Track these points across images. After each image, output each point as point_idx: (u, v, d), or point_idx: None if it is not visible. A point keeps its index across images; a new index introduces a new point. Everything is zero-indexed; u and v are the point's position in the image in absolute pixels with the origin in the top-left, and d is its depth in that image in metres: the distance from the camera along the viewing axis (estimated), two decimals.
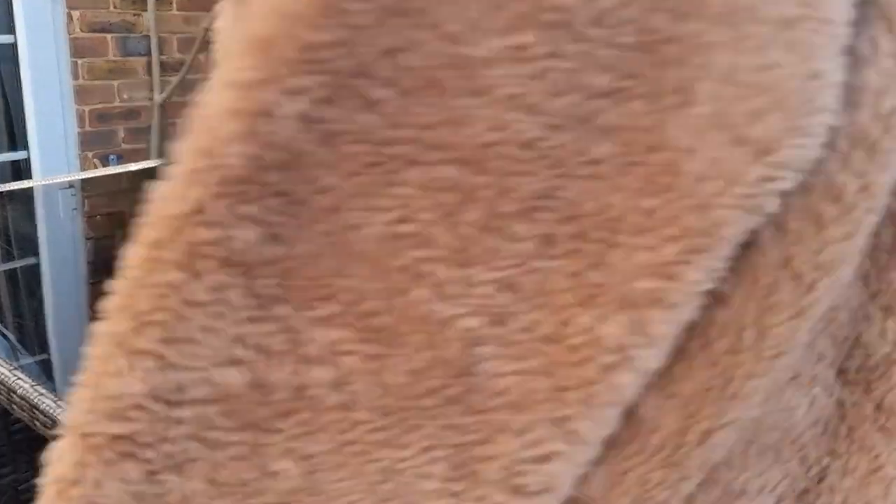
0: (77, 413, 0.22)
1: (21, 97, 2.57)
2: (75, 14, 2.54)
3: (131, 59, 2.73)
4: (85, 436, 0.22)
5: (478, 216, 0.20)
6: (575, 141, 0.20)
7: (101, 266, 1.21)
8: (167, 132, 2.91)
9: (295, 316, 0.20)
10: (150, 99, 2.82)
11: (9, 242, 1.25)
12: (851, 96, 0.21)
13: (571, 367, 0.20)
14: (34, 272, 1.17)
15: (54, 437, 0.71)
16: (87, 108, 2.65)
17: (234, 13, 0.28)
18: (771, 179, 0.20)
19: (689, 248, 0.20)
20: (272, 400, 0.21)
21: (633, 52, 0.19)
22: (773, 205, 0.21)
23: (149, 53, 2.77)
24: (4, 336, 0.98)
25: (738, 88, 0.20)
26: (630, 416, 0.22)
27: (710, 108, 0.20)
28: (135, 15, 2.70)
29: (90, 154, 2.70)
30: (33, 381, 0.86)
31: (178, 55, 2.86)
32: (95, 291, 1.13)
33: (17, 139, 2.64)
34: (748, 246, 0.21)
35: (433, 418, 0.21)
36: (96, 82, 2.66)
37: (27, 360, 0.93)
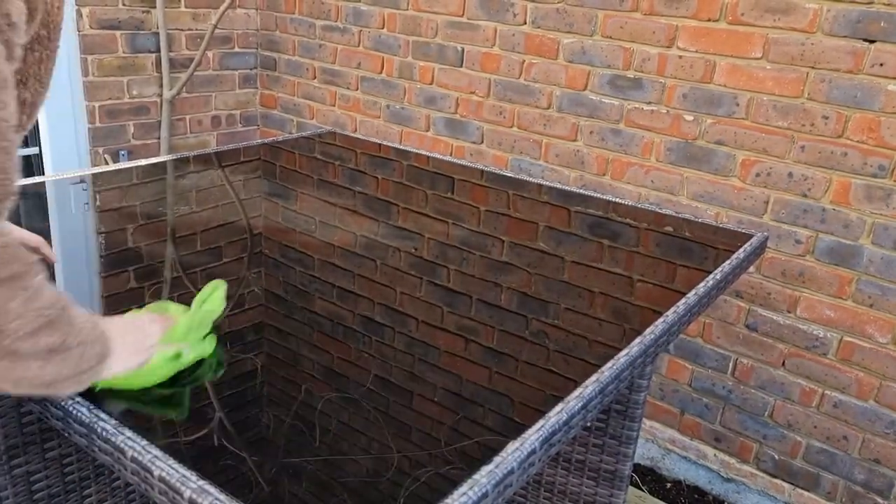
0: None
1: None
2: (85, 11, 2.55)
3: (140, 55, 2.74)
4: None
5: None
6: None
7: (113, 260, 1.22)
8: (176, 128, 2.93)
9: None
10: (160, 95, 2.83)
11: None
12: None
13: None
14: (47, 266, 1.18)
15: (66, 430, 0.74)
16: (96, 104, 2.67)
17: None
18: None
19: None
20: None
21: None
22: None
23: (158, 50, 2.78)
24: None
25: None
26: None
27: None
28: (144, 12, 2.71)
29: (100, 149, 2.72)
30: None
31: (186, 52, 2.87)
32: (107, 285, 1.14)
33: (28, 136, 2.66)
34: None
35: None
36: (106, 78, 2.67)
37: None
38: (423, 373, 0.97)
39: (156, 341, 0.88)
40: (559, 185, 1.79)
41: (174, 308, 0.97)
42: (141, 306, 0.98)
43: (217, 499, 0.70)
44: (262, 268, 1.25)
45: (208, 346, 0.94)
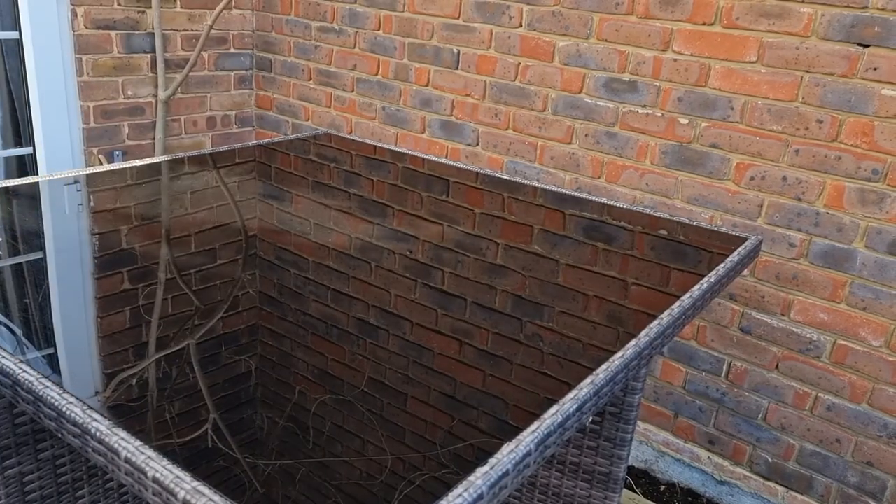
0: None
1: (26, 93, 2.58)
2: (80, 11, 2.55)
3: (135, 55, 2.74)
4: None
5: None
6: None
7: (106, 261, 1.22)
8: (171, 128, 2.92)
9: None
10: (154, 95, 2.83)
11: (14, 237, 1.26)
12: None
13: None
14: (40, 267, 1.18)
15: (59, 430, 0.75)
16: (91, 105, 2.66)
17: None
18: None
19: None
20: None
21: None
22: None
23: (153, 50, 2.78)
24: (11, 330, 0.99)
25: None
26: None
27: None
28: (139, 12, 2.71)
29: (95, 150, 2.72)
30: (39, 374, 0.87)
31: (182, 52, 2.86)
32: (101, 286, 1.14)
33: (22, 135, 2.65)
34: None
35: None
36: (101, 79, 2.67)
37: (33, 354, 0.94)
38: (417, 375, 0.97)
39: None
40: (554, 188, 1.79)
41: None
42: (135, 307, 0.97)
43: (211, 500, 0.70)
44: (257, 269, 1.25)
45: None
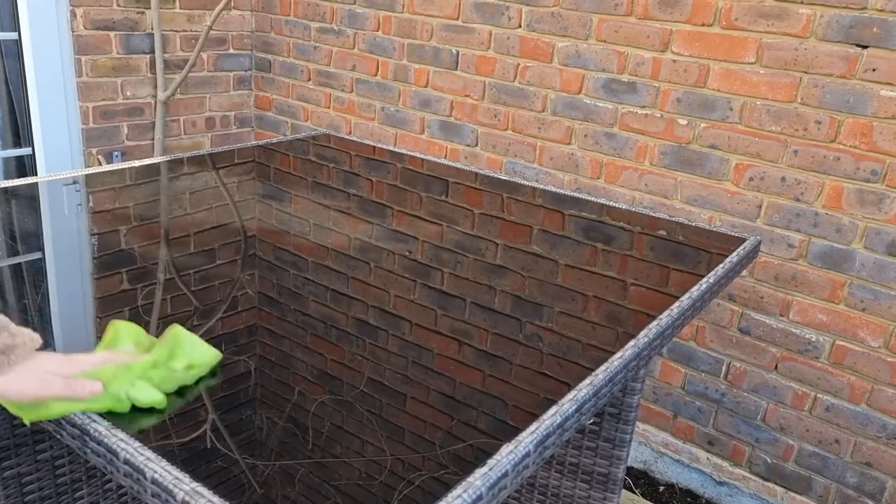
0: None
1: (25, 94, 2.58)
2: (79, 11, 2.55)
3: (135, 56, 2.74)
4: None
5: None
6: None
7: (105, 261, 1.22)
8: (170, 129, 2.92)
9: None
10: (154, 96, 2.83)
11: (13, 238, 1.26)
12: None
13: None
14: (39, 267, 1.18)
15: (58, 431, 0.75)
16: (90, 105, 2.66)
17: None
18: None
19: None
20: None
21: None
22: None
23: (152, 51, 2.78)
24: None
25: None
26: None
27: None
28: (138, 13, 2.70)
29: (94, 150, 2.71)
30: None
31: (181, 53, 2.86)
32: (100, 287, 1.14)
33: (21, 136, 2.65)
34: None
35: None
36: (100, 79, 2.67)
37: None
38: (416, 375, 0.97)
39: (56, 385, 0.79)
40: (553, 189, 1.79)
41: (136, 340, 0.90)
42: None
43: (210, 501, 0.70)
44: (256, 270, 1.24)
45: (145, 397, 0.84)
